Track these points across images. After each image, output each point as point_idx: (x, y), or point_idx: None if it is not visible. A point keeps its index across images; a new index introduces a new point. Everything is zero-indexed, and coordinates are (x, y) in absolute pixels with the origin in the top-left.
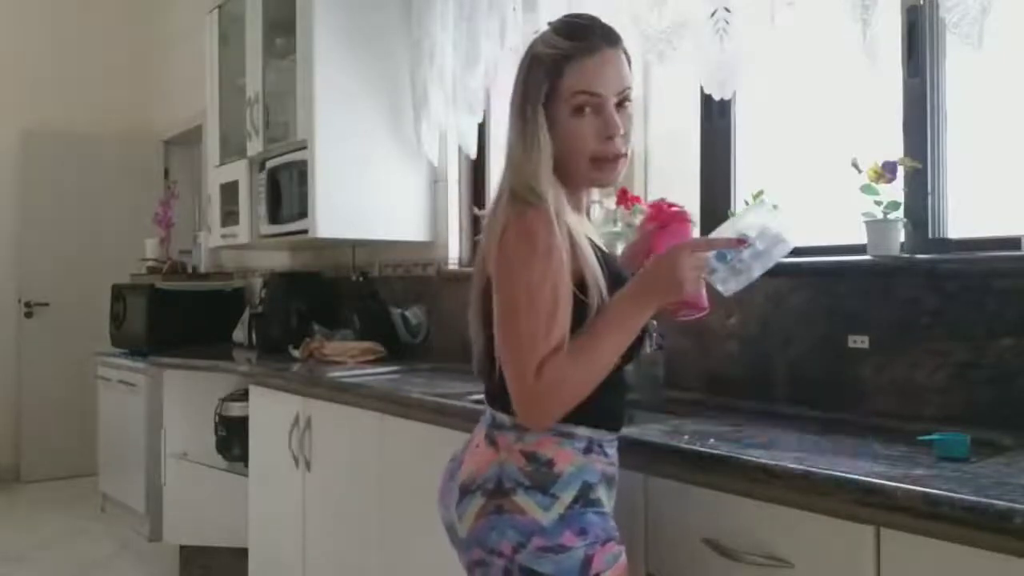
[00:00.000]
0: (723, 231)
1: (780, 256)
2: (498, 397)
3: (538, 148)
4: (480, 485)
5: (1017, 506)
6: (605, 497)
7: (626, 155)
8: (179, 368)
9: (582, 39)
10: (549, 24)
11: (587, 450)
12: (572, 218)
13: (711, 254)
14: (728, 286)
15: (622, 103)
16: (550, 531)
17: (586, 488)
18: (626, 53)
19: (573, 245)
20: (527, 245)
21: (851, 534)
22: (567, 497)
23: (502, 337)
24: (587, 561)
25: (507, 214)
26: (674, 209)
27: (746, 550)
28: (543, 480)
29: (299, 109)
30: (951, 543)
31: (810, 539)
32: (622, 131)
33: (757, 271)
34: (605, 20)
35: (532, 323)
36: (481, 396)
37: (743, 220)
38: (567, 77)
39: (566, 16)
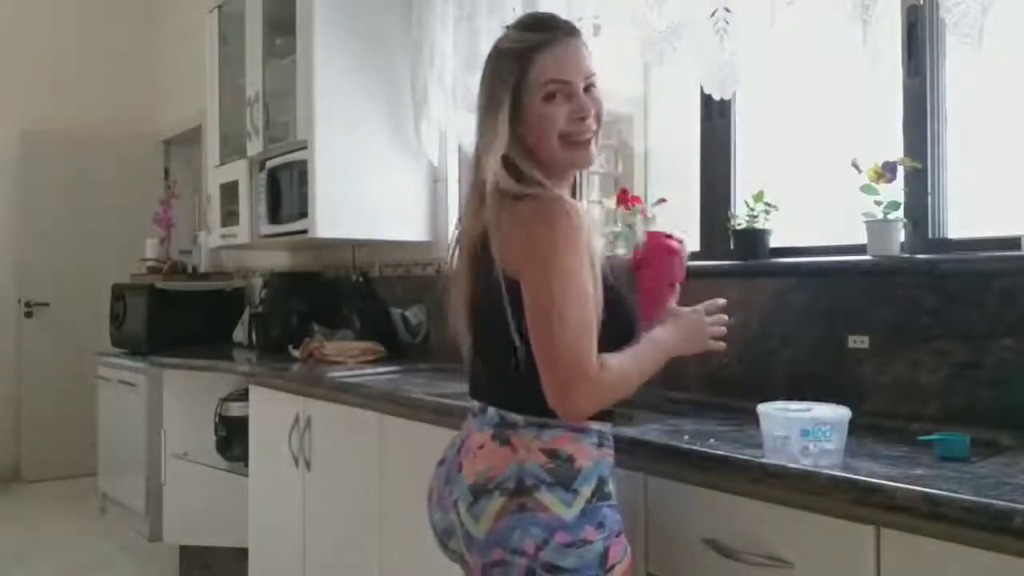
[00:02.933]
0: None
1: (826, 464)
2: (509, 396)
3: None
4: (499, 485)
5: (1017, 506)
6: (614, 490)
7: (597, 135)
8: (179, 368)
9: (545, 31)
10: (507, 27)
11: (599, 444)
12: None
13: (798, 427)
14: (804, 461)
15: (588, 88)
16: (572, 526)
17: (601, 482)
18: (584, 43)
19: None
20: (558, 233)
21: (851, 534)
22: (587, 492)
23: (551, 330)
24: (605, 553)
25: (528, 207)
26: (660, 242)
27: (746, 550)
28: (565, 476)
29: (299, 109)
30: (951, 543)
31: (810, 539)
32: (593, 112)
33: (810, 460)
34: (605, 20)
35: (582, 312)
36: None
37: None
38: (536, 66)
39: (525, 14)
